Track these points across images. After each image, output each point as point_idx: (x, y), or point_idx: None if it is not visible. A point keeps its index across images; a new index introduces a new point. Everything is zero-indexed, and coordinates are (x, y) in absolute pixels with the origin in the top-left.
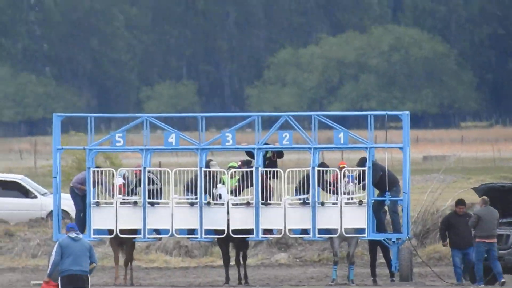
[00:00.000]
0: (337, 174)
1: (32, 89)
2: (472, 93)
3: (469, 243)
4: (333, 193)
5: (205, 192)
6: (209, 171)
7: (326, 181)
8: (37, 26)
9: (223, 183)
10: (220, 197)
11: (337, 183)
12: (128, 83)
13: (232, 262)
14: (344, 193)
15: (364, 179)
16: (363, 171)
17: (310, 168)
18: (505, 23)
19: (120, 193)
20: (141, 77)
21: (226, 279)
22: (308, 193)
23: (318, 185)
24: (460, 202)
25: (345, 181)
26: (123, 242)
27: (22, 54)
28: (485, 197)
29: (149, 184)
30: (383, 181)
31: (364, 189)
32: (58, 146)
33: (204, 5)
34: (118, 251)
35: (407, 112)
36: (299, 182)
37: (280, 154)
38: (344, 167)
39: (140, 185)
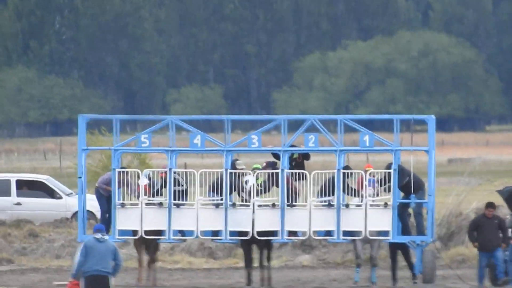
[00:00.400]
0: (362, 177)
1: (58, 91)
2: (498, 98)
3: (496, 246)
4: (356, 196)
5: (231, 193)
6: (235, 172)
7: (348, 185)
8: (66, 28)
9: (246, 182)
10: (246, 183)
11: (361, 186)
12: (155, 86)
13: (256, 264)
14: (366, 196)
15: (389, 182)
16: (389, 174)
17: (335, 171)
18: None
19: (145, 194)
20: (168, 80)
21: (247, 281)
22: (331, 195)
23: (343, 188)
24: (490, 205)
25: (365, 185)
26: (148, 243)
27: (50, 56)
28: None
29: (174, 185)
30: (409, 184)
31: (388, 191)
32: (84, 146)
33: (233, 8)
34: (143, 252)
35: (433, 116)
36: (323, 185)
37: (306, 156)
38: (369, 170)
39: (165, 186)
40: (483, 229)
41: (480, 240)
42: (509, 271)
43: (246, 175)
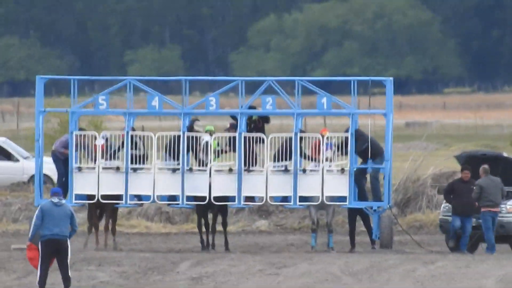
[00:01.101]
0: (318, 141)
1: (15, 52)
2: (455, 60)
3: (470, 212)
4: (313, 161)
5: (187, 154)
6: (192, 136)
7: (301, 149)
8: None
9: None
10: (203, 140)
11: (317, 150)
12: (111, 47)
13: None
14: (323, 161)
15: (347, 147)
16: (346, 138)
17: (291, 134)
18: None
19: (101, 155)
20: (124, 41)
21: (202, 244)
22: (286, 160)
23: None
24: (465, 168)
25: (323, 149)
26: (102, 208)
27: (5, 17)
28: (486, 166)
29: (133, 148)
30: (367, 150)
31: (346, 155)
32: (41, 108)
33: None
34: (96, 217)
35: (391, 78)
36: (278, 149)
37: (266, 119)
38: (325, 134)
39: (123, 148)
40: (459, 192)
41: (454, 204)
42: (485, 238)
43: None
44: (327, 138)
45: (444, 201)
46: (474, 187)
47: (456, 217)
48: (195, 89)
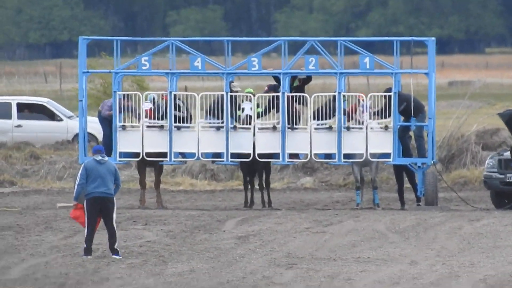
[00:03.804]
0: (355, 105)
1: (58, 12)
2: (498, 20)
3: None
4: (349, 122)
5: (230, 116)
6: (231, 96)
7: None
8: None
9: (242, 110)
10: (243, 111)
11: (354, 113)
12: (155, 7)
13: (256, 186)
14: (360, 122)
15: (386, 109)
16: (387, 99)
17: (335, 93)
18: None
19: (147, 118)
20: (167, 1)
21: (245, 202)
22: (328, 118)
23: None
24: None
25: (360, 110)
26: (150, 165)
27: None
28: None
29: (175, 110)
30: (408, 109)
31: (379, 116)
32: (84, 69)
33: None
34: (144, 174)
35: (433, 38)
36: (318, 108)
37: (307, 79)
38: (361, 101)
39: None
40: None
41: None
42: None
43: (244, 101)
44: (363, 99)
45: (489, 157)
46: None
47: None
48: (237, 50)
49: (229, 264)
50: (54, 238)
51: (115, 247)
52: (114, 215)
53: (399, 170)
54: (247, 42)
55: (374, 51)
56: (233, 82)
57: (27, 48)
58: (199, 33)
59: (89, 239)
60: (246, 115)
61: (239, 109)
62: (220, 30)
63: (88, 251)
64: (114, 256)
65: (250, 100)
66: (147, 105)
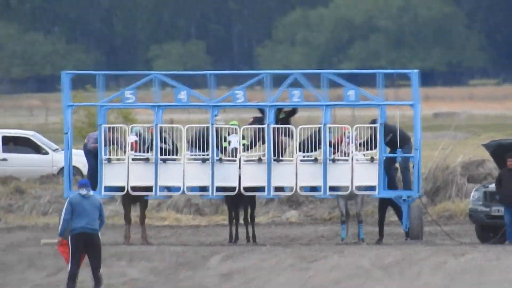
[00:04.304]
0: (341, 137)
1: (40, 47)
2: (480, 53)
3: None
4: (335, 154)
5: (209, 149)
6: (216, 128)
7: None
8: None
9: (229, 143)
10: (229, 144)
11: (340, 144)
12: (137, 42)
13: (241, 221)
14: (346, 153)
15: (371, 140)
16: (372, 131)
17: (320, 125)
18: None
19: (132, 150)
20: (150, 36)
21: (230, 237)
22: (313, 150)
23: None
24: (510, 155)
25: (346, 141)
26: (135, 200)
27: (31, 13)
28: None
29: (161, 142)
30: (393, 140)
31: (364, 147)
32: (69, 103)
33: None
34: (129, 209)
35: (416, 70)
36: (305, 139)
37: (293, 111)
38: (346, 132)
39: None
40: (504, 181)
41: (501, 193)
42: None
43: (230, 133)
44: (349, 132)
45: (474, 189)
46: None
47: (507, 211)
48: (220, 83)
49: None
50: (37, 276)
51: (100, 286)
52: (101, 254)
53: (384, 203)
54: (230, 75)
55: (357, 83)
56: (217, 116)
57: (10, 83)
58: (182, 67)
59: (72, 278)
60: (232, 148)
61: (225, 141)
62: (202, 64)
63: None
64: None
65: (236, 133)
66: (132, 138)
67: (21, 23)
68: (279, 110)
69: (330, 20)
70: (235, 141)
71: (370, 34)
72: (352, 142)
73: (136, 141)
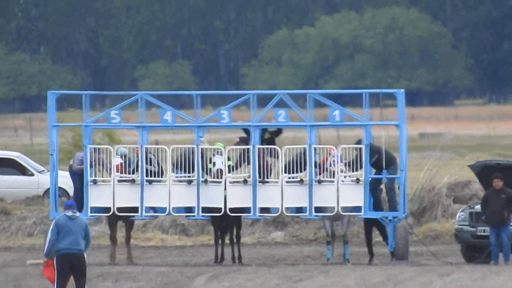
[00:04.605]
0: (326, 157)
1: (26, 68)
2: (466, 73)
3: (501, 222)
4: (321, 174)
5: (193, 170)
6: (201, 149)
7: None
8: (32, 5)
9: (213, 164)
10: (214, 165)
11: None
12: (123, 62)
13: (227, 241)
14: (331, 173)
15: (357, 161)
16: (358, 151)
17: (305, 146)
18: (499, 6)
19: (118, 173)
20: (136, 56)
21: (215, 258)
22: (298, 171)
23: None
24: (496, 176)
25: (333, 161)
26: (122, 220)
27: (17, 33)
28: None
29: (147, 164)
30: (379, 161)
31: (350, 168)
32: (54, 123)
33: None
34: (116, 229)
35: (402, 90)
36: (290, 160)
37: (278, 131)
38: (331, 153)
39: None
40: (490, 202)
41: (487, 214)
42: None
43: (215, 154)
44: (333, 150)
45: (460, 210)
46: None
47: (492, 230)
48: (207, 103)
49: None
50: None
51: None
52: (86, 276)
53: (370, 224)
54: (216, 95)
55: (343, 103)
56: (202, 137)
57: None
58: (168, 87)
59: None
60: (217, 170)
61: (210, 162)
62: (189, 84)
63: None
64: None
65: (221, 154)
66: (117, 160)
67: (7, 43)
68: (264, 130)
69: (316, 39)
70: (219, 162)
71: (356, 54)
72: (337, 162)
73: (121, 163)
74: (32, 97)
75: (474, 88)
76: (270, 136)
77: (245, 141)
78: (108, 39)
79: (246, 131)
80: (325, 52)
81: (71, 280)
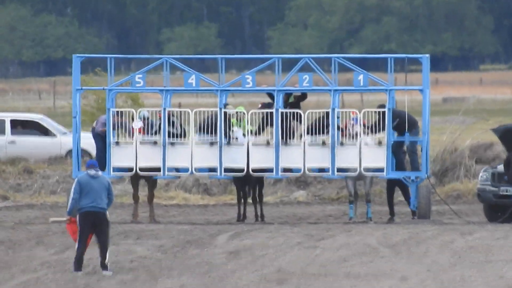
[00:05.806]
0: (346, 122)
1: (52, 30)
2: (491, 37)
3: None
4: (345, 136)
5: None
6: (224, 113)
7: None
8: None
9: (234, 126)
10: (237, 140)
11: (347, 129)
12: (148, 25)
13: (249, 200)
14: (353, 136)
15: (379, 124)
16: (380, 115)
17: (328, 110)
18: None
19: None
20: (161, 18)
21: (238, 216)
22: (321, 134)
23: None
24: None
25: (351, 124)
26: (145, 180)
27: None
28: None
29: (170, 126)
30: (401, 125)
31: (372, 131)
32: (78, 87)
33: None
34: (137, 188)
35: (427, 55)
36: (311, 123)
37: (302, 96)
38: (353, 116)
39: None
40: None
41: (509, 175)
42: None
43: (237, 120)
44: (353, 113)
45: (483, 170)
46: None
47: None
48: (231, 67)
49: (220, 279)
50: (45, 253)
51: (106, 262)
52: (109, 233)
53: (392, 184)
54: (241, 59)
55: (367, 68)
56: (228, 105)
57: (21, 66)
58: (193, 50)
59: (80, 254)
60: (236, 137)
61: (230, 129)
62: (214, 47)
63: (78, 266)
64: (104, 272)
65: (242, 118)
66: (137, 124)
67: (34, 5)
68: (288, 95)
69: (343, 1)
70: (240, 135)
71: (383, 17)
72: (356, 123)
73: (141, 127)
74: (57, 60)
75: (499, 53)
76: (294, 101)
77: (267, 106)
78: (134, 1)
79: (271, 95)
80: (351, 15)
81: (94, 238)
